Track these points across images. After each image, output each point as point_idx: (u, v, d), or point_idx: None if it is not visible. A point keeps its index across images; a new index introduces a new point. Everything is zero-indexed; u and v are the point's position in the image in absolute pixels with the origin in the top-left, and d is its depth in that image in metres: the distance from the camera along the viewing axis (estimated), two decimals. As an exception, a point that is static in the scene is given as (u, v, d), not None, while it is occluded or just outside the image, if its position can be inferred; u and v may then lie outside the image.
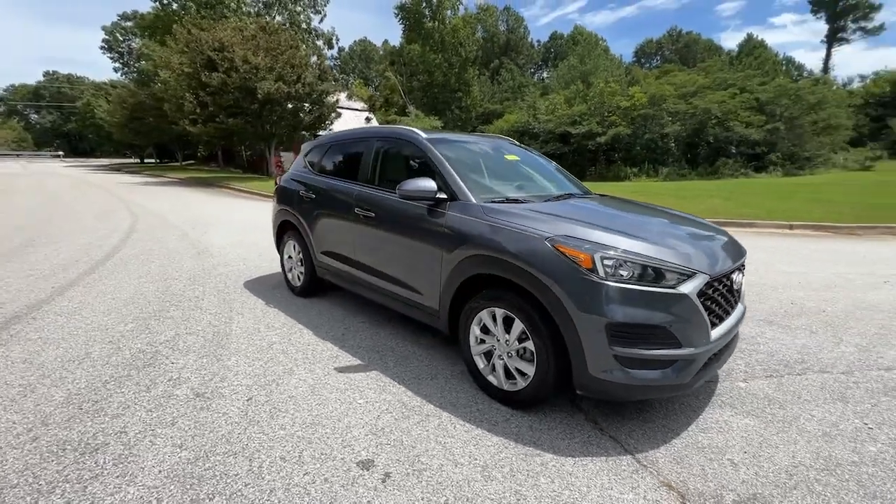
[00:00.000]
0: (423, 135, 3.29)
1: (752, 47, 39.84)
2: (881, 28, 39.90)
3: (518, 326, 2.36)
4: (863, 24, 40.57)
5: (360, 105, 34.92)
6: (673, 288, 2.08)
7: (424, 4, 37.14)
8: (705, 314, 2.14)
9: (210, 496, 1.82)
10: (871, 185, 15.44)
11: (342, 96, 23.72)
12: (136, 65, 37.68)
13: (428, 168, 3.10)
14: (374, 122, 35.79)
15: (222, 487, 1.87)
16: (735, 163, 27.28)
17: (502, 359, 2.49)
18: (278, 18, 31.62)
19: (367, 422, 2.35)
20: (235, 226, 8.72)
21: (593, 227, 2.36)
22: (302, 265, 4.35)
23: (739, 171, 26.79)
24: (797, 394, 2.64)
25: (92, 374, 2.80)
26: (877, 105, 35.23)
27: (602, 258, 2.10)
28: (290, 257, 4.54)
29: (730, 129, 27.54)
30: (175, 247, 6.65)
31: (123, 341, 3.29)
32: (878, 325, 3.68)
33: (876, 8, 39.36)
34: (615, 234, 2.29)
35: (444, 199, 2.82)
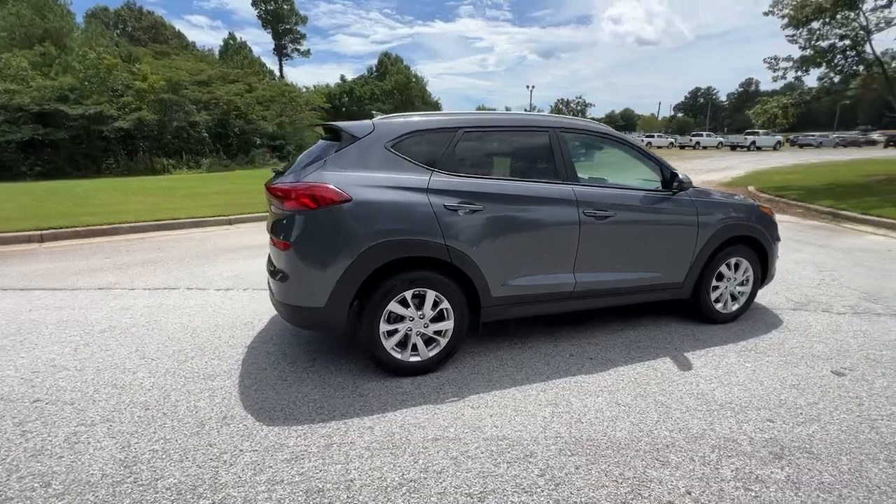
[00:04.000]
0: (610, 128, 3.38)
1: (238, 46, 42.82)
2: (308, 52, 54.26)
3: (743, 264, 3.61)
4: (297, 46, 53.48)
5: None
6: None
7: None
8: None
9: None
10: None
11: None
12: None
13: (634, 160, 3.38)
14: None
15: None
16: (266, 153, 30.03)
17: (728, 290, 3.63)
18: None
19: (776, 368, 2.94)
20: None
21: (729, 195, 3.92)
22: (442, 319, 2.76)
23: (270, 161, 29.84)
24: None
25: None
26: (321, 108, 47.43)
27: (773, 211, 3.80)
28: (400, 319, 2.66)
29: (252, 121, 29.65)
30: None
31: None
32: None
33: (303, 36, 52.89)
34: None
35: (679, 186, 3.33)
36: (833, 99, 13.30)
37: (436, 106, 63.09)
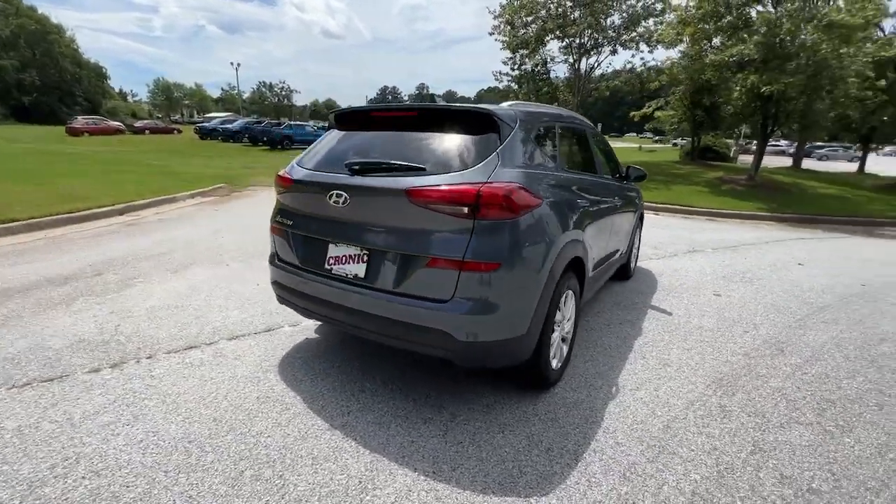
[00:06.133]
0: None
1: None
2: None
3: (640, 233, 4.93)
4: None
5: None
6: None
7: None
8: None
9: None
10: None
11: None
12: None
13: (608, 155, 4.04)
14: None
15: None
16: None
17: (634, 253, 4.89)
18: None
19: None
20: None
21: None
22: (571, 320, 2.70)
23: None
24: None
25: None
26: None
27: None
28: (557, 323, 2.45)
29: None
30: None
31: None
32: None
33: None
34: None
35: None
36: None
37: (98, 70, 47.98)
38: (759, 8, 11.04)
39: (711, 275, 5.14)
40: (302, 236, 2.41)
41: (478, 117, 2.19)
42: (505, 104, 2.43)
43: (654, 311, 3.93)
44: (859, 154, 35.07)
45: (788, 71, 9.69)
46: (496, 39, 14.95)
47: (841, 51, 9.98)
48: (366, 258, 2.15)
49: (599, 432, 2.21)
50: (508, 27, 14.50)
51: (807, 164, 24.55)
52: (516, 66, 15.39)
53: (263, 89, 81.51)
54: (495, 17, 14.68)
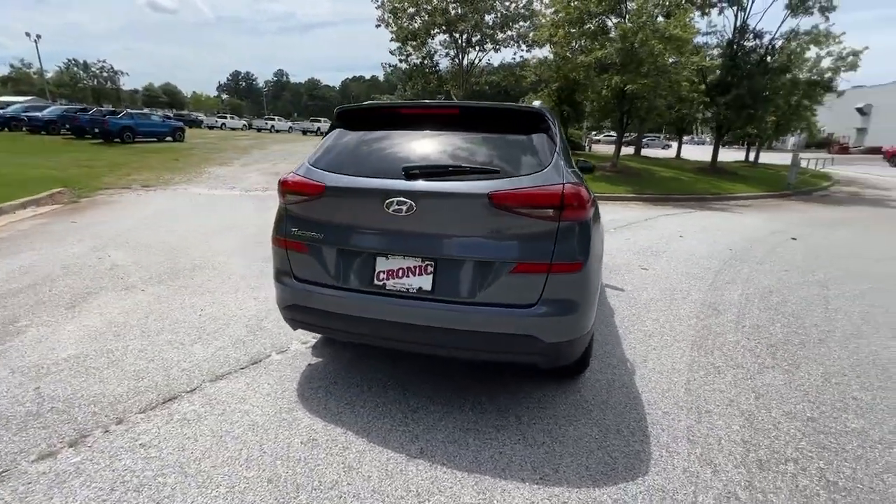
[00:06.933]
0: None
1: None
2: None
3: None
4: None
5: None
6: None
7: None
8: None
9: None
10: None
11: None
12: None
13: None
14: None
15: None
16: None
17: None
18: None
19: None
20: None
21: None
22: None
23: None
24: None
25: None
26: None
27: None
28: None
29: None
30: None
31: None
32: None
33: None
34: None
35: None
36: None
37: None
38: (614, 19, 12.84)
39: (628, 251, 5.91)
40: (337, 250, 2.10)
41: (530, 117, 2.16)
42: (535, 102, 2.44)
43: (609, 290, 4.38)
44: (668, 143, 43.56)
45: (642, 73, 11.54)
46: (386, 29, 14.68)
47: (671, 60, 12.24)
48: (430, 269, 1.98)
49: (646, 406, 2.42)
50: (391, 16, 14.33)
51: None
52: (404, 59, 15.33)
53: (76, 69, 66.45)
54: (377, 7, 14.40)
